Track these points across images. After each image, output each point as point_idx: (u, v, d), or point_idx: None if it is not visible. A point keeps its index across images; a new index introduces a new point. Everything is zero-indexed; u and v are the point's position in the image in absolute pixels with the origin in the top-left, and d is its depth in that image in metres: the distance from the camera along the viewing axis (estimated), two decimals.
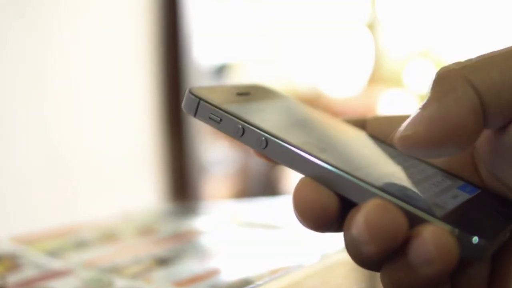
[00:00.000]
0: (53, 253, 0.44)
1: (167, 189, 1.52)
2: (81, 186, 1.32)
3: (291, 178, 1.88)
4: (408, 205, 0.23)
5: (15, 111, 1.20)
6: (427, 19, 2.76)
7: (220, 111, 0.27)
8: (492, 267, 0.25)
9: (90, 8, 1.34)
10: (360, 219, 0.23)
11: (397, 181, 0.26)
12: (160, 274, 0.39)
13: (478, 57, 0.25)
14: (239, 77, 2.29)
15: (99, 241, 0.47)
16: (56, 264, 0.42)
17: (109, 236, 0.49)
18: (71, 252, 0.45)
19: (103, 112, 1.38)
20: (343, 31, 2.77)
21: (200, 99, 0.27)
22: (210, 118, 0.27)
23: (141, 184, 1.48)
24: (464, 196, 0.26)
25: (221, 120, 0.27)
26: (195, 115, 0.28)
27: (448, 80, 0.24)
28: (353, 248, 0.24)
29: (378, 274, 0.24)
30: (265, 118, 0.28)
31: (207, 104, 0.27)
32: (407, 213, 0.23)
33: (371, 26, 2.82)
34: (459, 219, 0.24)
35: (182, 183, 1.54)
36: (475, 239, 0.22)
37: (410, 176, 0.27)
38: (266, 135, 0.26)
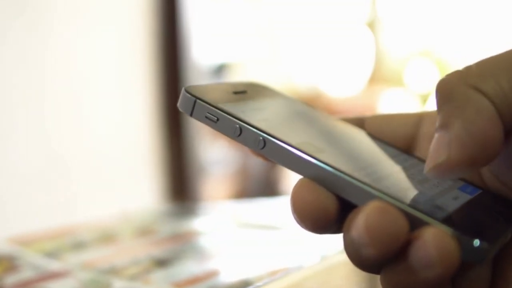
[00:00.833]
0: (51, 254, 0.44)
1: (166, 190, 1.52)
2: (79, 187, 1.32)
3: (291, 178, 1.87)
4: (409, 207, 0.23)
5: (14, 111, 1.20)
6: (428, 18, 2.76)
7: (217, 111, 0.27)
8: (494, 269, 0.25)
9: (89, 7, 1.34)
10: (360, 222, 0.22)
11: (397, 182, 0.25)
12: (159, 275, 0.39)
13: (479, 64, 0.24)
14: (239, 77, 2.29)
15: (97, 242, 0.47)
16: (54, 265, 0.42)
17: (107, 237, 0.48)
18: (69, 253, 0.44)
19: (102, 112, 1.37)
20: (343, 30, 2.77)
21: (197, 98, 0.27)
22: (206, 117, 0.27)
23: (140, 184, 1.47)
24: (465, 197, 0.26)
25: (218, 119, 0.27)
26: (191, 115, 0.27)
27: (459, 93, 0.23)
28: (352, 251, 0.23)
29: (378, 276, 0.24)
30: (263, 117, 0.27)
31: (204, 103, 0.27)
32: (408, 216, 0.23)
33: (371, 25, 2.82)
34: (460, 221, 0.24)
35: (181, 184, 1.54)
36: (476, 242, 0.22)
37: (410, 176, 0.27)
38: (264, 135, 0.26)
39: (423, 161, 0.29)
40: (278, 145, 0.25)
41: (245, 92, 0.30)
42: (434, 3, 2.76)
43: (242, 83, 0.31)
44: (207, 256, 0.45)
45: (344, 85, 2.69)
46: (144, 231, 0.50)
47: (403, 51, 2.82)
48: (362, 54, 2.81)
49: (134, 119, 1.46)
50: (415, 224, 0.23)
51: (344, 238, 0.24)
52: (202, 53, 1.70)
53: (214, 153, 2.00)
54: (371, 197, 0.24)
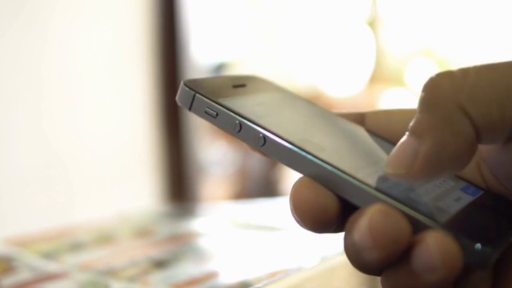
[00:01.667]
0: (48, 256, 0.44)
1: (164, 190, 1.52)
2: (77, 187, 1.31)
3: (291, 178, 1.87)
4: (411, 210, 0.23)
5: (11, 111, 1.20)
6: (429, 17, 2.76)
7: (217, 106, 0.26)
8: (496, 272, 0.25)
9: (86, 5, 1.33)
10: (363, 225, 0.22)
11: (398, 183, 0.25)
12: (157, 277, 0.39)
13: (476, 77, 0.23)
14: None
15: (95, 243, 0.47)
16: (51, 266, 0.42)
17: (105, 238, 0.48)
18: (66, 254, 0.44)
19: (100, 112, 1.37)
20: (343, 28, 2.77)
21: (196, 92, 0.26)
22: (205, 112, 0.26)
23: (138, 185, 1.47)
24: (467, 198, 0.26)
25: (217, 114, 0.26)
26: (190, 109, 0.27)
27: (444, 108, 0.23)
28: (354, 253, 0.23)
29: (378, 278, 0.24)
30: (263, 113, 0.27)
31: (203, 98, 0.26)
32: (410, 219, 0.23)
33: (372, 24, 2.82)
34: (463, 224, 0.23)
35: (180, 184, 1.54)
36: (479, 246, 0.22)
37: None
38: (264, 132, 0.25)
39: None
40: (279, 143, 0.25)
41: (245, 85, 0.30)
42: (435, 2, 2.76)
43: (242, 76, 0.31)
44: (206, 257, 0.45)
45: (344, 85, 2.69)
46: (142, 232, 0.50)
47: (404, 50, 2.82)
48: (363, 53, 2.80)
49: (133, 119, 1.46)
50: (417, 227, 0.22)
51: (345, 240, 0.23)
52: (201, 52, 1.69)
53: (213, 153, 2.00)
54: (373, 199, 0.23)
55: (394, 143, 0.29)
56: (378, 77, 2.79)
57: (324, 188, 0.24)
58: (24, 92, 1.21)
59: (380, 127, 0.30)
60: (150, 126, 1.48)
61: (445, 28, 2.73)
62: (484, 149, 0.27)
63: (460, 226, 0.23)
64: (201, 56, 1.75)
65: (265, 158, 0.27)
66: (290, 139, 0.25)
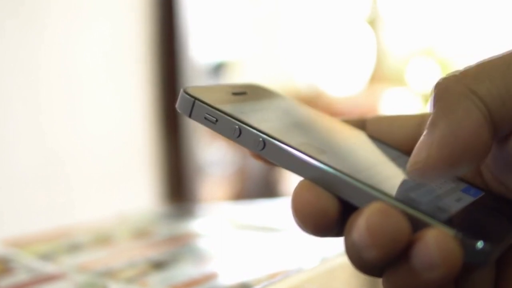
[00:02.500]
0: (46, 257, 0.44)
1: (163, 191, 1.52)
2: (76, 187, 1.31)
3: (290, 179, 1.87)
4: (411, 209, 0.23)
5: (10, 111, 1.19)
6: (430, 16, 2.76)
7: (216, 111, 0.26)
8: (497, 271, 0.25)
9: (85, 5, 1.33)
10: (361, 223, 0.22)
11: (398, 184, 0.25)
12: (155, 278, 0.39)
13: (478, 64, 0.24)
14: (237, 76, 2.29)
15: (93, 244, 0.47)
16: (48, 268, 0.42)
17: (103, 239, 0.48)
18: (64, 255, 0.44)
19: (99, 112, 1.37)
20: (344, 28, 2.77)
21: (196, 99, 0.27)
22: (205, 118, 0.27)
23: (137, 186, 1.47)
24: (467, 199, 0.26)
25: (217, 120, 0.26)
26: (190, 116, 0.27)
27: (452, 93, 0.23)
28: (354, 253, 0.23)
29: (378, 280, 0.24)
30: (263, 118, 0.27)
31: (203, 104, 0.27)
32: (410, 217, 0.23)
33: (372, 23, 2.82)
34: (463, 223, 0.23)
35: (179, 185, 1.54)
36: (480, 244, 0.22)
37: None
38: (263, 136, 0.25)
39: None
40: (278, 146, 0.25)
41: (245, 93, 0.30)
42: (435, 1, 2.76)
43: (242, 84, 0.31)
44: (205, 259, 0.45)
45: (344, 84, 2.69)
46: (141, 233, 0.50)
47: (405, 49, 2.82)
48: (363, 53, 2.81)
49: (132, 119, 1.46)
50: (417, 225, 0.22)
51: (345, 240, 0.23)
52: (200, 52, 1.69)
53: (212, 153, 2.00)
54: (373, 198, 0.23)
55: (395, 148, 0.29)
56: (378, 77, 2.79)
57: (325, 191, 0.24)
58: (23, 92, 1.21)
59: (381, 133, 0.30)
60: (149, 126, 1.48)
61: (446, 28, 2.73)
62: None
63: (460, 224, 0.23)
64: (201, 55, 1.75)
65: (266, 164, 0.27)
66: (290, 142, 0.25)
